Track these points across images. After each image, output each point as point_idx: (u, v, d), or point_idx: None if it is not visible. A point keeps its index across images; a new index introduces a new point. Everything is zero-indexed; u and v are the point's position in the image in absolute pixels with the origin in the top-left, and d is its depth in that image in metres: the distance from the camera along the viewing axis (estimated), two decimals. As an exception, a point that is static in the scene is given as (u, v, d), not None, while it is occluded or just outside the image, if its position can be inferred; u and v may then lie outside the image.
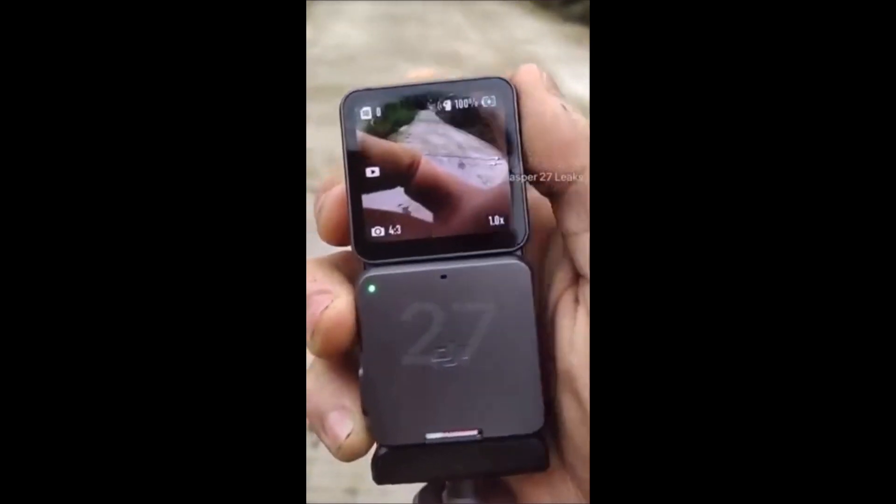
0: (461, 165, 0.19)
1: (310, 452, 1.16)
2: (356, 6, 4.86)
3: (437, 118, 0.19)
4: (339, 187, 0.20)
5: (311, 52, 3.50)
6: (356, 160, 0.19)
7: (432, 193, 0.19)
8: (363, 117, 0.19)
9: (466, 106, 0.19)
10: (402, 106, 0.19)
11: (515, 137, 0.19)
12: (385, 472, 0.19)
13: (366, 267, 0.19)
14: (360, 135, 0.19)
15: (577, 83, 3.10)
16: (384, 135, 0.19)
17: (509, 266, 0.18)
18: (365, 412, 0.19)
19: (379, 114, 0.19)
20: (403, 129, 0.19)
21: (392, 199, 0.19)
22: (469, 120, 0.19)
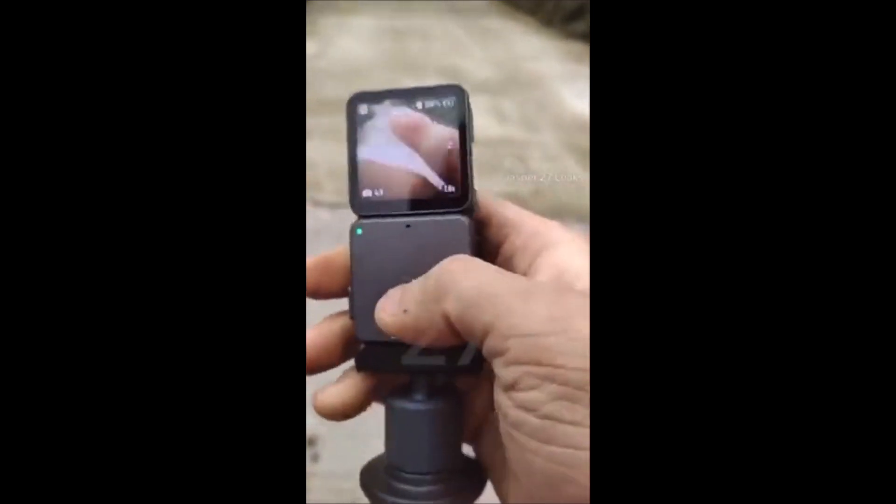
0: (428, 148, 0.25)
1: (309, 467, 1.16)
2: (361, 21, 4.91)
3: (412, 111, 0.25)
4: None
5: (317, 65, 3.53)
6: (355, 146, 0.26)
7: (404, 171, 0.25)
8: (361, 112, 0.26)
9: (432, 105, 0.25)
10: (392, 106, 0.26)
11: (464, 130, 0.25)
12: (363, 361, 0.26)
13: (358, 217, 0.26)
14: (359, 126, 0.26)
15: (579, 101, 3.12)
16: (381, 128, 0.26)
17: (453, 221, 0.25)
18: (352, 317, 0.26)
19: (376, 112, 0.26)
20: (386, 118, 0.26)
21: (379, 172, 0.26)
22: (436, 114, 0.25)
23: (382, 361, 0.26)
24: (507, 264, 0.25)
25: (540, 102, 3.12)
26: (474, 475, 0.26)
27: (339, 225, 1.92)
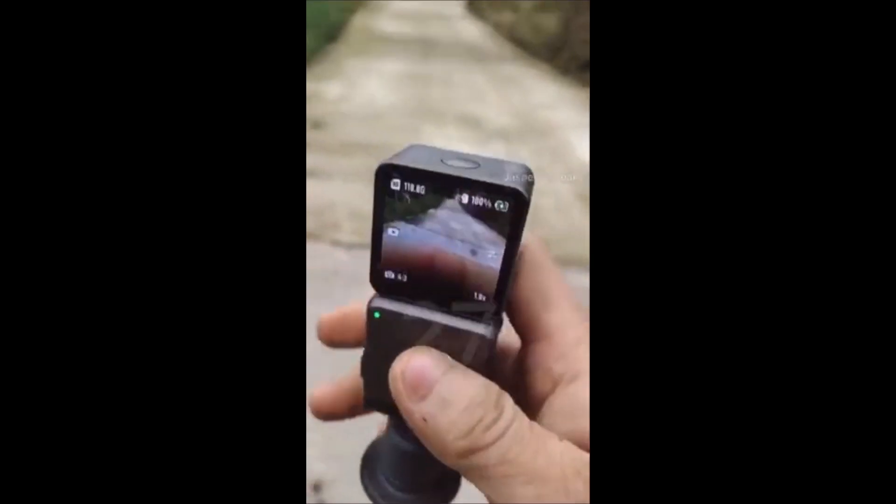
0: (473, 252, 0.23)
1: (310, 499, 1.13)
2: (387, 65, 5.05)
3: (458, 207, 0.22)
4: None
5: (341, 108, 3.63)
6: (381, 221, 0.23)
7: (434, 262, 0.23)
8: (392, 187, 0.23)
9: (481, 204, 0.22)
10: (430, 190, 0.22)
11: (514, 243, 0.22)
12: (370, 405, 0.28)
13: (377, 294, 0.25)
14: (389, 201, 0.23)
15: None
16: (414, 211, 0.23)
17: (475, 337, 0.24)
18: (362, 376, 0.27)
19: (410, 191, 0.23)
20: (431, 210, 0.23)
21: (404, 256, 0.24)
22: (483, 215, 0.22)
23: (387, 413, 0.27)
24: (528, 375, 0.26)
25: (554, 151, 3.15)
26: (449, 486, 0.29)
27: (356, 265, 1.92)
